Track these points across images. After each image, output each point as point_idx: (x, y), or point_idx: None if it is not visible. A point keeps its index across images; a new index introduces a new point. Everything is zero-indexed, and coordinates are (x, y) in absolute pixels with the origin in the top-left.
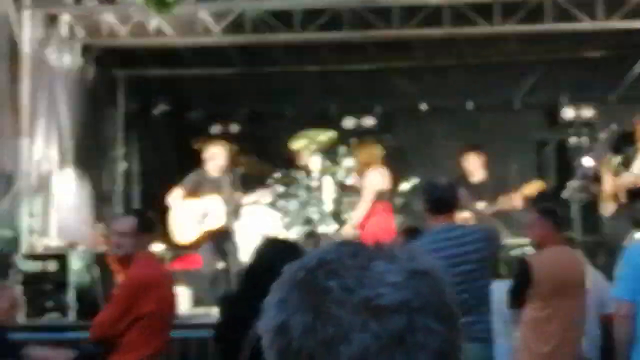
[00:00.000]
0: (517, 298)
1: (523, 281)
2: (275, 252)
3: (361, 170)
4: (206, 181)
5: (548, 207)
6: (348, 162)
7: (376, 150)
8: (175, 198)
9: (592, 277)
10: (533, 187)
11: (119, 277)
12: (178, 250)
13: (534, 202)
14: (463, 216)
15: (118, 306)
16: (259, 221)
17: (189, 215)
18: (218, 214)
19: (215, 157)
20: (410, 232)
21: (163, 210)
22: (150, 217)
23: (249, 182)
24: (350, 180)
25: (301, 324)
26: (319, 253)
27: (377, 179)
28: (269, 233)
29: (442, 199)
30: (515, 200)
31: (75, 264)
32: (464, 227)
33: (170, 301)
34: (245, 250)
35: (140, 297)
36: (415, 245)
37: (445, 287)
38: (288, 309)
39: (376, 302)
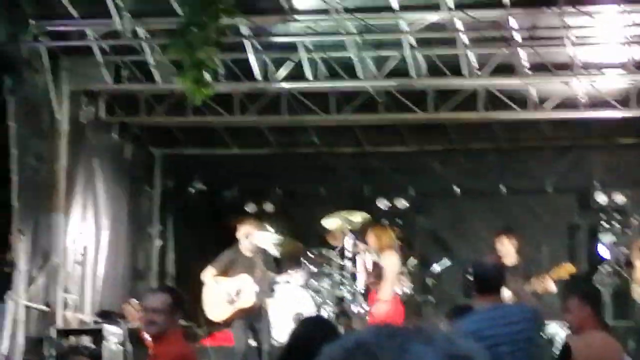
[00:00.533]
0: None
1: None
2: (312, 332)
3: (379, 252)
4: (239, 259)
5: (588, 291)
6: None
7: (391, 234)
8: (208, 276)
9: None
10: (564, 270)
11: (152, 353)
12: (211, 327)
13: (571, 285)
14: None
15: None
16: (292, 300)
17: (222, 293)
18: (250, 293)
19: (248, 236)
20: (460, 311)
21: (197, 288)
22: (180, 293)
23: (283, 261)
24: (370, 261)
25: None
26: (357, 334)
27: (395, 262)
28: (301, 312)
29: (489, 279)
30: (547, 282)
31: (110, 339)
32: (509, 307)
33: None
34: (278, 328)
35: None
36: (456, 328)
37: None
38: None
39: None
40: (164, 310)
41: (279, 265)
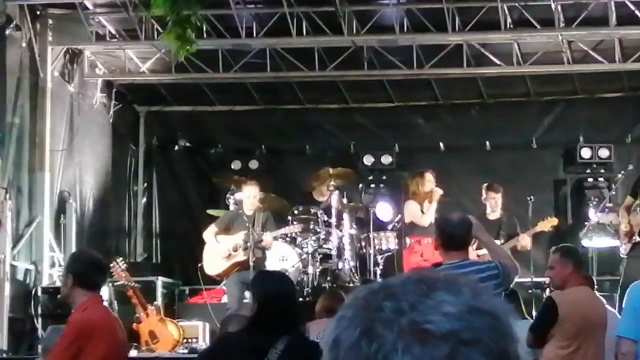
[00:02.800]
0: (540, 336)
1: (548, 319)
2: (279, 287)
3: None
4: (239, 218)
5: (569, 247)
6: (367, 198)
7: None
8: (210, 234)
9: (609, 315)
10: (547, 223)
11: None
12: (205, 285)
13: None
14: (481, 252)
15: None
16: (283, 256)
17: (221, 249)
18: (246, 249)
19: (249, 195)
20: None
21: (183, 244)
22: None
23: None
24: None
25: (348, 340)
26: (389, 279)
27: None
28: (286, 268)
29: (454, 235)
30: (524, 239)
31: None
32: (477, 264)
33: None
34: None
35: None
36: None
37: (507, 331)
38: (342, 325)
39: (423, 327)
40: (67, 280)
41: (277, 222)
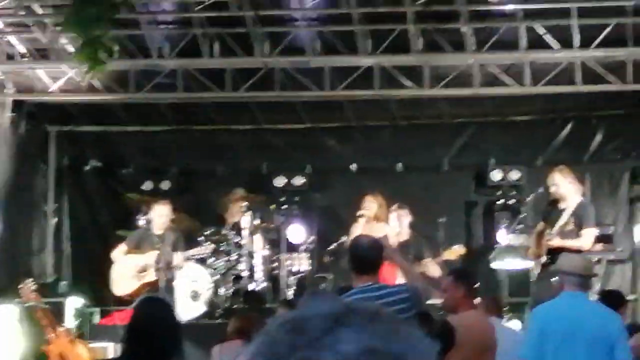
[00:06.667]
0: None
1: (445, 343)
2: (151, 312)
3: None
4: (149, 238)
5: (462, 270)
6: (279, 219)
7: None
8: (119, 253)
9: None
10: (453, 253)
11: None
12: (115, 306)
13: (466, 265)
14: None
15: None
16: (194, 277)
17: (129, 268)
18: (155, 269)
19: (160, 215)
20: (342, 292)
21: (94, 265)
22: None
23: (184, 239)
24: None
25: None
26: (305, 309)
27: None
28: (197, 290)
29: (366, 258)
30: (431, 266)
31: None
32: (388, 287)
33: None
34: (180, 305)
35: None
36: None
37: None
38: (248, 357)
39: None
40: None
41: (183, 242)
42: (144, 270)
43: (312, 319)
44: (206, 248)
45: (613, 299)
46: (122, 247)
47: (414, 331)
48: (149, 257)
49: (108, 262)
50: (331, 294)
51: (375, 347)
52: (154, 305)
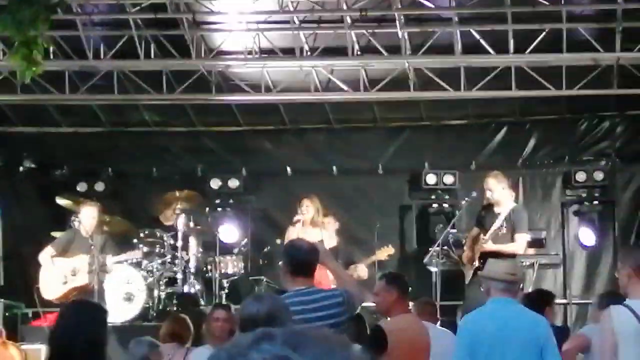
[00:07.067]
0: None
1: (377, 347)
2: (77, 317)
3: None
4: (77, 240)
5: (394, 274)
6: (213, 222)
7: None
8: (46, 256)
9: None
10: (383, 253)
11: None
12: (43, 308)
13: (400, 269)
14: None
15: None
16: (126, 279)
17: (58, 272)
18: (85, 273)
19: (88, 217)
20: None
21: (28, 268)
22: None
23: (116, 241)
24: None
25: None
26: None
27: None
28: (131, 292)
29: (304, 262)
30: (361, 270)
31: None
32: (323, 291)
33: None
34: (110, 308)
35: None
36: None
37: None
38: None
39: None
40: None
41: (114, 244)
42: (73, 273)
43: (249, 338)
44: (139, 251)
45: (539, 298)
46: (49, 250)
47: (340, 348)
48: (78, 260)
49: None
50: (270, 295)
51: (286, 356)
52: (80, 309)
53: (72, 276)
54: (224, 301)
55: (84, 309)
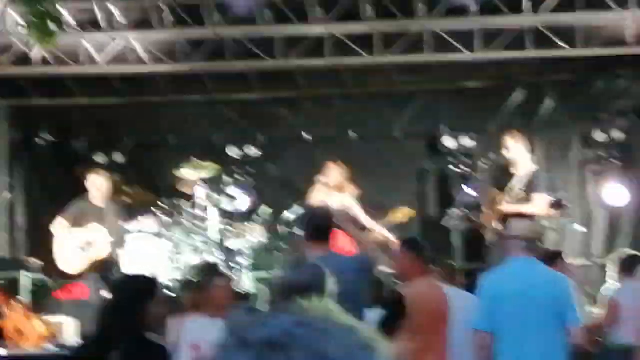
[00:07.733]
0: (389, 330)
1: (396, 313)
2: (135, 288)
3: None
4: (90, 210)
5: (411, 239)
6: (231, 190)
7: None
8: (59, 227)
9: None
10: (401, 214)
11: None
12: (64, 280)
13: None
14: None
15: None
16: (146, 250)
17: (74, 244)
18: (102, 243)
19: (98, 186)
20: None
21: (48, 240)
22: None
23: (134, 211)
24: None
25: None
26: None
27: None
28: (156, 262)
29: (319, 227)
30: (380, 232)
31: None
32: (340, 256)
33: None
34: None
35: None
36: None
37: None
38: None
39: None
40: None
41: (130, 214)
42: (89, 244)
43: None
44: (156, 220)
45: (546, 257)
46: (61, 221)
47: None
48: (93, 230)
49: None
50: (310, 263)
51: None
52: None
53: (89, 247)
54: (243, 270)
55: (138, 282)
